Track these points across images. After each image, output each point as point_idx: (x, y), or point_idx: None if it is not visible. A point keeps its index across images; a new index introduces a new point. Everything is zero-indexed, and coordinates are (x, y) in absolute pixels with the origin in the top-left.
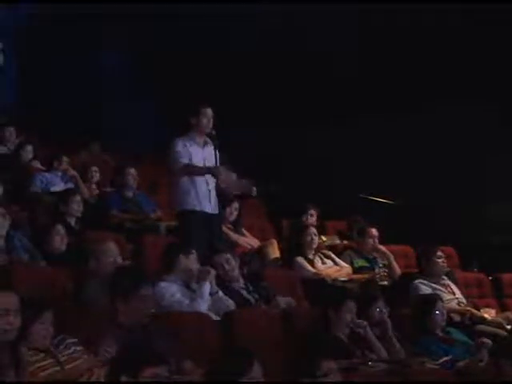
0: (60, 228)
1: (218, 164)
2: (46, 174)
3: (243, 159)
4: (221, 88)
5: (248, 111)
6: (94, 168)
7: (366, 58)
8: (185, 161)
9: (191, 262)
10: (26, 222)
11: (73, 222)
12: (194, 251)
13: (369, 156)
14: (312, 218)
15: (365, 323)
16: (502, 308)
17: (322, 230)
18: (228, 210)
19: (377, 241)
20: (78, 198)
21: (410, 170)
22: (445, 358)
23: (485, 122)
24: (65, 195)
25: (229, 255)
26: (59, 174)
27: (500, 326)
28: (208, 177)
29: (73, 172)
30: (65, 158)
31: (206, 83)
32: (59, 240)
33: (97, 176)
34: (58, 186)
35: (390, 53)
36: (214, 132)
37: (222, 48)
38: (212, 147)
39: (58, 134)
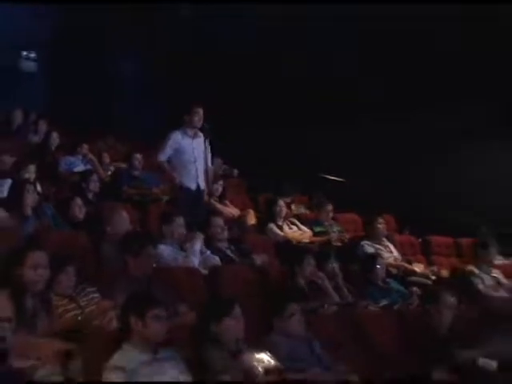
0: (78, 200)
1: (207, 152)
2: (70, 158)
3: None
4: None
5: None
6: (105, 154)
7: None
8: (167, 155)
9: (174, 227)
10: (54, 195)
11: (91, 195)
12: (177, 218)
13: (327, 143)
14: (286, 195)
15: (322, 275)
16: (429, 263)
17: (291, 203)
18: (215, 186)
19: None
20: (95, 177)
21: (359, 154)
22: (384, 302)
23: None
24: (84, 175)
25: (221, 220)
26: (80, 157)
27: (427, 277)
28: (198, 162)
29: (91, 156)
30: (85, 145)
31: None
32: (78, 210)
33: (107, 160)
34: (79, 168)
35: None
36: (206, 126)
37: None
38: (202, 138)
39: (79, 126)
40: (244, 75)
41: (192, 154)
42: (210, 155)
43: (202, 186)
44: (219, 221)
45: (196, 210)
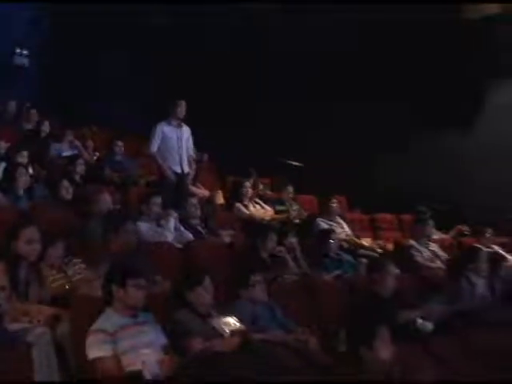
0: (66, 183)
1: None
2: (58, 144)
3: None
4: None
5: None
6: (90, 141)
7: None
8: (156, 145)
9: (151, 206)
10: (44, 177)
11: (77, 177)
12: (154, 199)
13: (288, 131)
14: (251, 178)
15: (282, 249)
16: (376, 238)
17: (256, 184)
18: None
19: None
20: (81, 161)
21: (316, 141)
22: (337, 272)
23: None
24: (71, 159)
25: (196, 200)
26: (67, 144)
27: (374, 250)
28: (182, 149)
29: (77, 142)
30: (69, 132)
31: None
32: (65, 191)
33: (91, 146)
34: (67, 153)
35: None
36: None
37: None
38: (185, 128)
39: (67, 115)
40: (211, 64)
41: (176, 142)
42: (192, 144)
43: (186, 170)
44: (194, 201)
45: (180, 192)
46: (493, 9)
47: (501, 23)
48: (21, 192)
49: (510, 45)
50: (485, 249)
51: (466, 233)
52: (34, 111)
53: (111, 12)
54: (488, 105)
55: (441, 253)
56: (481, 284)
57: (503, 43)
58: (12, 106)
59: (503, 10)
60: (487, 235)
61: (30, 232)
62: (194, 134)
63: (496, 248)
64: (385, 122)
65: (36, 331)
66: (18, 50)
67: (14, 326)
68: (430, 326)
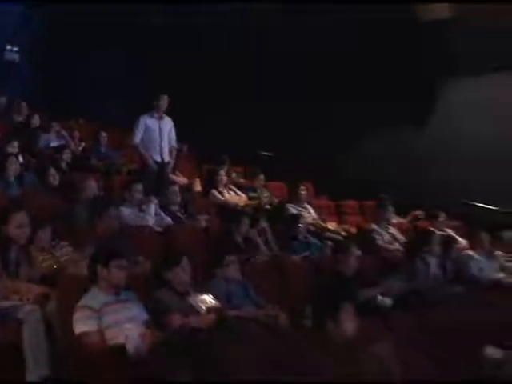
0: (52, 170)
1: (172, 133)
2: (47, 135)
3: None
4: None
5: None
6: (76, 132)
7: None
8: (139, 136)
9: (133, 193)
10: (34, 165)
11: (64, 165)
12: (136, 186)
13: (260, 123)
14: (225, 166)
15: (254, 231)
16: (340, 222)
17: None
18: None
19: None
20: (67, 150)
21: (287, 132)
22: (304, 254)
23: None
24: (58, 149)
25: (177, 188)
26: (55, 134)
27: (338, 233)
28: (163, 140)
29: (64, 133)
30: (54, 124)
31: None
32: (52, 178)
33: (77, 137)
34: (54, 143)
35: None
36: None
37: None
38: (167, 120)
39: (55, 109)
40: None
41: (158, 133)
42: (174, 135)
43: (166, 159)
44: (176, 188)
45: (161, 180)
46: (446, 10)
47: (454, 24)
48: (12, 179)
49: (462, 45)
50: (438, 232)
51: (421, 217)
52: (23, 105)
53: (100, 11)
54: (442, 102)
55: (399, 236)
56: (434, 264)
57: (456, 44)
58: (3, 100)
59: (456, 13)
60: (440, 219)
61: (21, 217)
62: (176, 126)
63: (448, 231)
64: (349, 117)
65: (26, 308)
66: (8, 47)
67: (4, 304)
68: (388, 301)
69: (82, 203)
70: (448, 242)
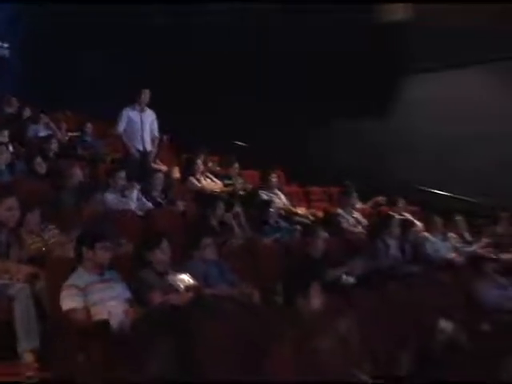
0: (39, 159)
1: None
2: (35, 125)
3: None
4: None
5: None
6: (63, 123)
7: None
8: (122, 127)
9: (117, 179)
10: (24, 154)
11: (51, 154)
12: (119, 173)
13: (235, 114)
14: (201, 155)
15: (229, 216)
16: (309, 207)
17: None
18: None
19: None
20: (54, 140)
21: (260, 123)
22: (275, 236)
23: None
24: (46, 138)
25: (161, 175)
26: (43, 125)
27: (307, 217)
28: (145, 131)
29: (52, 124)
30: (43, 115)
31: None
32: (39, 166)
33: (64, 127)
34: (43, 133)
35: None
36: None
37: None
38: (149, 112)
39: (43, 101)
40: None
41: (139, 124)
42: (156, 127)
43: (148, 148)
44: (160, 175)
45: (143, 167)
46: (406, 11)
47: (415, 24)
48: (3, 167)
49: (424, 45)
50: (397, 216)
51: (383, 203)
52: (13, 98)
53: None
54: (402, 98)
55: (362, 220)
56: (394, 245)
57: (417, 43)
58: None
59: (416, 13)
60: (399, 205)
61: (11, 201)
62: (158, 117)
63: (407, 215)
64: (318, 112)
65: (16, 286)
66: None
67: None
68: (351, 279)
69: (69, 189)
70: (406, 225)
